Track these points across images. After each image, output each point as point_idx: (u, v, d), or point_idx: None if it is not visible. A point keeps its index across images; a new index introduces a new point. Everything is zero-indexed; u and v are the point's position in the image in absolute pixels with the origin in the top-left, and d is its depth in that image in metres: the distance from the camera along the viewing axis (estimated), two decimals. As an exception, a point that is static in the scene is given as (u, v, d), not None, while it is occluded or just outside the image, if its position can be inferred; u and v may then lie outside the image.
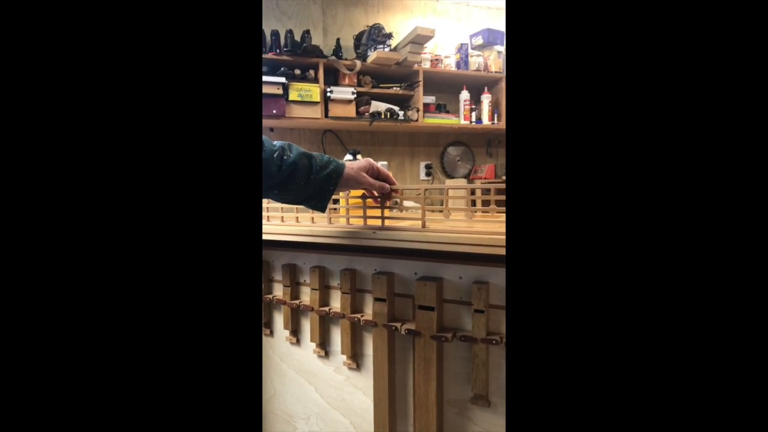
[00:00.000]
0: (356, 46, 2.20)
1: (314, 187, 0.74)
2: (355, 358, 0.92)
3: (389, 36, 2.16)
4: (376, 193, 0.82)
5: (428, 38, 2.08)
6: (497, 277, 0.75)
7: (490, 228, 0.76)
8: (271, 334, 1.08)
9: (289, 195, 0.74)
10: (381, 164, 1.50)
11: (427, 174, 2.58)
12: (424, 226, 0.76)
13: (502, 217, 0.73)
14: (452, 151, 2.66)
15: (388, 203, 0.83)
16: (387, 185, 0.80)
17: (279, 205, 0.97)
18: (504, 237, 0.66)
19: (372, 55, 2.07)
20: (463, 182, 2.60)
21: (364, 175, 0.77)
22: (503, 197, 0.72)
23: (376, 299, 0.84)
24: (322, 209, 0.77)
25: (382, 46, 2.11)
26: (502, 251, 0.66)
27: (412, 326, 0.80)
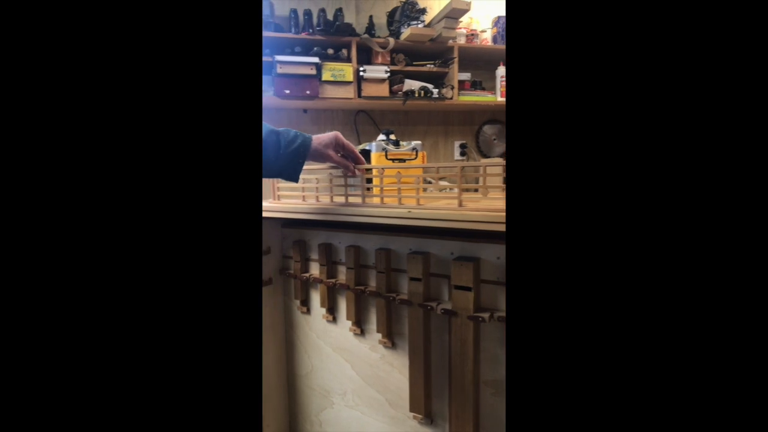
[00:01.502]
0: (389, 23, 2.15)
1: (284, 162, 0.79)
2: (391, 337, 0.92)
3: (423, 11, 2.10)
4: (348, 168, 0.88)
5: (464, 12, 2.01)
6: (537, 257, 0.72)
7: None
8: (308, 311, 1.10)
9: (264, 171, 0.78)
10: (415, 143, 1.47)
11: (462, 153, 2.53)
12: (460, 204, 0.74)
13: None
14: (488, 129, 2.58)
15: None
16: (350, 164, 0.87)
17: (314, 185, 0.97)
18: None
19: (405, 32, 2.02)
20: (500, 161, 2.53)
21: (331, 152, 0.84)
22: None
23: (412, 279, 0.84)
24: (295, 180, 0.82)
25: (415, 22, 2.05)
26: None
27: (448, 306, 0.79)
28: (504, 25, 2.33)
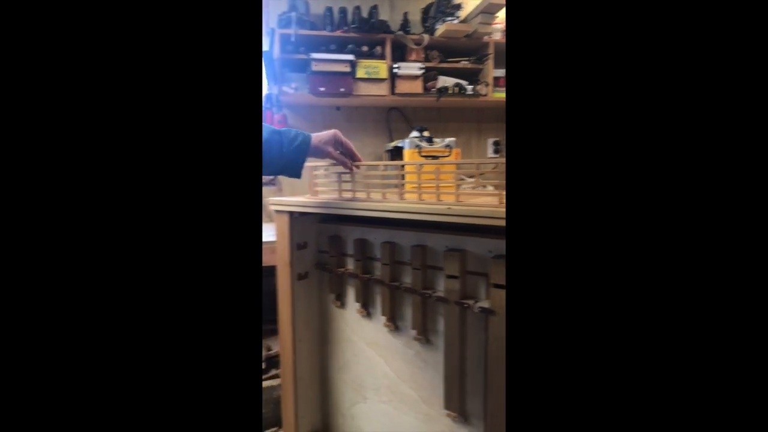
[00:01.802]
0: (424, 20, 2.14)
1: (287, 159, 0.86)
2: (426, 334, 0.92)
3: (458, 7, 2.07)
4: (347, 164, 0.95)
5: (500, 7, 1.97)
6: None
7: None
8: (343, 306, 1.12)
9: (267, 168, 0.85)
10: (449, 140, 1.46)
11: (495, 151, 2.49)
12: (501, 202, 0.73)
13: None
14: (522, 127, 2.54)
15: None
16: (347, 161, 0.94)
17: (351, 180, 0.98)
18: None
19: (440, 28, 2.01)
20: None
21: (330, 149, 0.91)
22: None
23: (448, 276, 0.84)
24: (298, 176, 0.90)
25: (450, 18, 2.04)
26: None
27: (485, 304, 0.79)
28: (541, 20, 2.27)
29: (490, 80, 2.10)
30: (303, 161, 0.88)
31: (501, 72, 2.23)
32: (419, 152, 1.59)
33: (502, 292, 0.76)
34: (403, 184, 0.90)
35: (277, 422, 1.48)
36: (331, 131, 0.92)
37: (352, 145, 0.95)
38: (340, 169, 0.98)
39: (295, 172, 0.88)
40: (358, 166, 0.95)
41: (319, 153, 0.90)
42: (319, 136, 0.90)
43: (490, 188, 0.91)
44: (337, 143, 0.92)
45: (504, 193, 0.74)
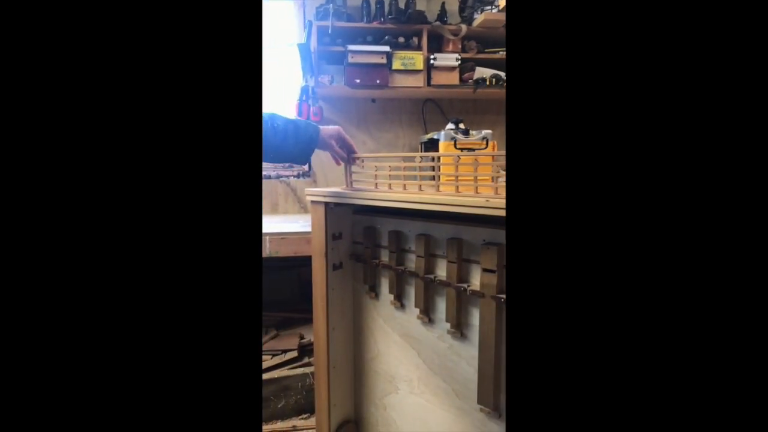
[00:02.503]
0: (461, 10, 2.10)
1: (300, 148, 0.93)
2: (460, 327, 0.91)
3: (497, -5, 2.02)
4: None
5: (541, -6, 1.91)
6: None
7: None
8: (377, 297, 1.12)
9: (282, 156, 0.92)
10: (485, 132, 1.43)
11: (533, 144, 2.43)
12: (541, 195, 0.71)
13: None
14: (562, 119, 2.46)
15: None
16: (344, 155, 1.02)
17: (386, 172, 0.98)
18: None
19: (478, 18, 1.96)
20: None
21: (333, 142, 0.98)
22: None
23: (485, 270, 0.82)
24: (304, 164, 1.02)
25: (489, 7, 1.99)
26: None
27: (523, 299, 0.77)
28: (585, 7, 2.18)
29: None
30: (312, 151, 0.95)
31: (541, 62, 2.16)
32: (455, 144, 1.57)
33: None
34: (438, 176, 0.89)
35: (310, 409, 1.51)
36: (336, 127, 1.00)
37: (353, 142, 1.03)
38: (377, 160, 0.98)
39: (304, 160, 0.96)
40: (358, 158, 1.04)
41: (324, 146, 0.97)
42: (326, 130, 0.97)
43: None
44: (339, 139, 1.00)
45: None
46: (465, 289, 0.87)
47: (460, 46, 2.02)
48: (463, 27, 1.98)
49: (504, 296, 0.79)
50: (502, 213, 0.72)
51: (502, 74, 2.04)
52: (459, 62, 1.97)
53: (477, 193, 0.81)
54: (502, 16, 1.95)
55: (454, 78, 1.99)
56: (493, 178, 0.80)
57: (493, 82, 2.02)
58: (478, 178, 0.82)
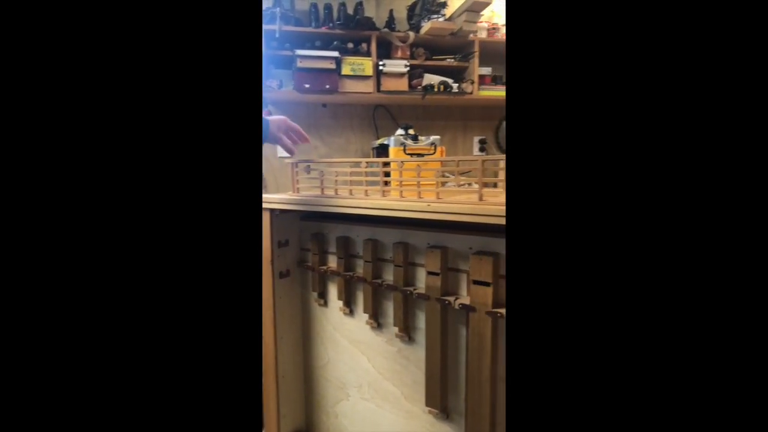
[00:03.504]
0: (409, 17, 2.14)
1: None
2: (408, 331, 0.92)
3: (443, 5, 2.07)
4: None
5: (485, 5, 1.98)
6: (558, 253, 0.71)
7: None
8: (325, 304, 1.11)
9: None
10: (434, 138, 1.46)
11: (481, 149, 2.50)
12: (481, 199, 0.74)
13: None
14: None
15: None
16: (294, 148, 0.96)
17: (333, 178, 0.98)
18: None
19: (426, 26, 2.01)
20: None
21: (281, 134, 0.93)
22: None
23: (429, 273, 0.84)
24: None
25: (436, 15, 2.03)
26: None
27: (466, 301, 0.79)
28: (526, 19, 2.29)
29: (476, 78, 2.11)
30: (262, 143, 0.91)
31: (486, 70, 2.23)
32: (404, 150, 1.59)
33: (483, 289, 0.76)
34: (385, 182, 0.90)
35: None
36: (282, 117, 0.94)
37: (299, 127, 0.97)
38: (323, 165, 0.98)
39: None
40: (306, 139, 0.99)
41: (273, 139, 0.93)
42: (273, 121, 0.91)
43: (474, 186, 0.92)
44: (287, 128, 0.95)
45: (483, 191, 0.74)
46: (411, 293, 0.87)
47: (408, 53, 2.05)
48: (411, 34, 2.02)
49: (448, 298, 0.81)
50: (444, 216, 0.73)
51: (450, 81, 2.09)
52: (408, 69, 2.00)
53: (420, 197, 0.82)
54: (449, 25, 2.00)
55: (403, 84, 2.02)
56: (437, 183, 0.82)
57: (441, 89, 2.07)
58: (422, 183, 0.83)
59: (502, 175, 0.74)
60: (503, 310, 0.74)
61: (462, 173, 0.85)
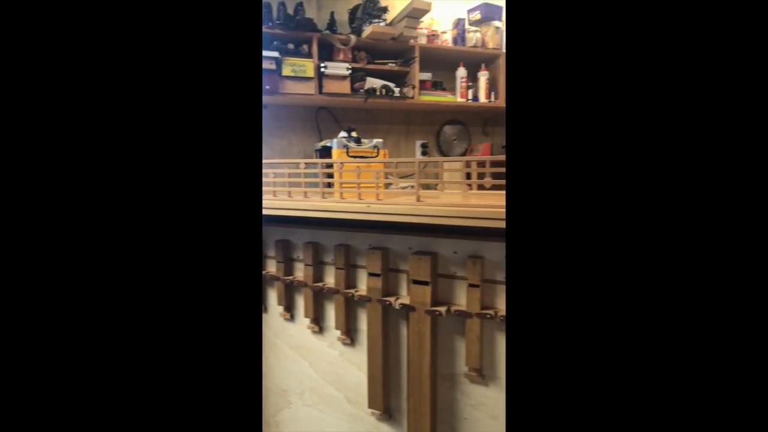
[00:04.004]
0: (351, 20, 2.14)
1: None
2: (349, 334, 0.91)
3: (384, 10, 2.10)
4: None
5: (425, 12, 2.03)
6: (492, 251, 0.74)
7: (485, 201, 0.75)
8: (265, 310, 1.08)
9: None
10: (376, 141, 1.46)
11: (423, 153, 2.55)
12: (418, 200, 0.75)
13: (499, 191, 0.72)
14: (448, 129, 2.62)
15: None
16: None
17: (272, 179, 0.95)
18: (499, 210, 0.65)
19: (367, 30, 2.02)
20: (458, 158, 2.57)
21: None
22: (501, 170, 0.71)
23: (371, 274, 0.84)
24: None
25: (377, 20, 2.05)
26: (497, 224, 0.65)
27: (406, 301, 0.80)
28: (463, 28, 2.37)
29: (417, 83, 2.15)
30: None
31: (427, 75, 2.29)
32: (347, 152, 1.58)
33: (422, 288, 0.77)
34: (326, 183, 0.89)
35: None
36: None
37: None
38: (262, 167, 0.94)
39: None
40: None
41: None
42: None
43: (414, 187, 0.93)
44: None
45: (420, 191, 0.75)
46: (353, 295, 0.87)
47: (350, 56, 2.05)
48: (353, 37, 2.02)
49: (389, 299, 0.81)
50: (384, 217, 0.74)
51: (392, 85, 2.12)
52: (350, 71, 2.00)
53: (360, 199, 0.82)
54: (390, 30, 2.03)
55: (345, 87, 2.01)
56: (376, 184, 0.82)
57: (383, 93, 2.09)
58: (362, 185, 0.83)
59: (447, 177, 0.75)
60: (442, 309, 0.76)
61: (404, 176, 0.86)
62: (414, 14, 2.00)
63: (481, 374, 0.77)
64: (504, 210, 0.65)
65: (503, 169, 0.69)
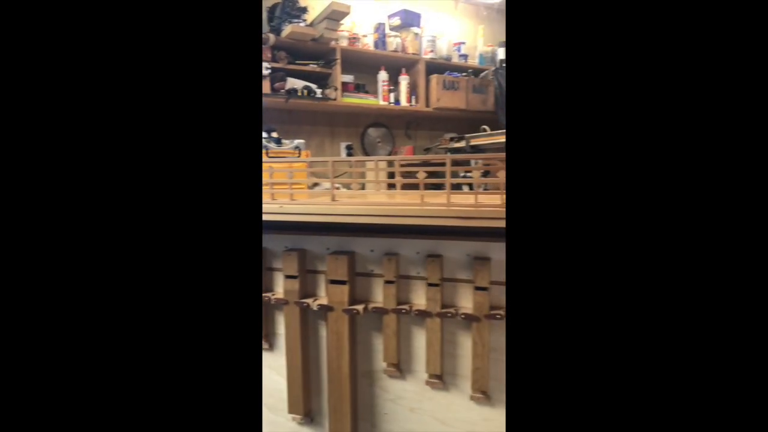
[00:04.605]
0: (270, 19, 2.09)
1: None
2: (268, 338, 0.89)
3: (304, 10, 2.08)
4: None
5: (344, 14, 2.04)
6: (407, 248, 0.76)
7: (404, 200, 0.77)
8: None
9: None
10: (298, 142, 1.44)
11: (348, 155, 2.56)
12: (333, 199, 0.75)
13: (419, 190, 0.74)
14: (372, 132, 2.66)
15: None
16: None
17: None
18: (413, 208, 0.68)
19: (286, 29, 1.98)
20: (373, 158, 2.61)
21: None
22: (414, 169, 0.73)
23: (287, 276, 0.82)
24: None
25: (296, 20, 2.03)
26: (413, 221, 0.67)
27: (324, 301, 0.79)
28: (384, 32, 2.42)
29: (339, 85, 2.16)
30: None
31: (349, 78, 2.30)
32: (267, 153, 1.54)
33: (339, 288, 0.77)
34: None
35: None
36: None
37: None
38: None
39: None
40: None
41: None
42: None
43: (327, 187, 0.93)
44: None
45: (335, 191, 0.76)
46: (270, 299, 0.85)
47: (270, 55, 2.00)
48: (272, 36, 1.98)
49: (307, 301, 0.81)
50: (297, 218, 0.73)
51: (314, 86, 2.10)
52: (269, 71, 1.96)
53: (273, 199, 0.80)
54: (310, 30, 2.01)
55: (265, 87, 1.96)
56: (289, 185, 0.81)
57: (305, 94, 2.07)
58: (274, 185, 0.81)
59: (371, 176, 0.76)
60: (360, 307, 0.76)
61: (321, 176, 0.85)
62: (333, 16, 2.00)
63: (399, 368, 0.78)
64: (418, 207, 0.68)
65: (416, 169, 0.71)
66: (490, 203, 0.68)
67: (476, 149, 2.23)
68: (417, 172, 0.70)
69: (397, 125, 2.76)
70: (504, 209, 0.62)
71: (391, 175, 0.75)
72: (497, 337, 0.72)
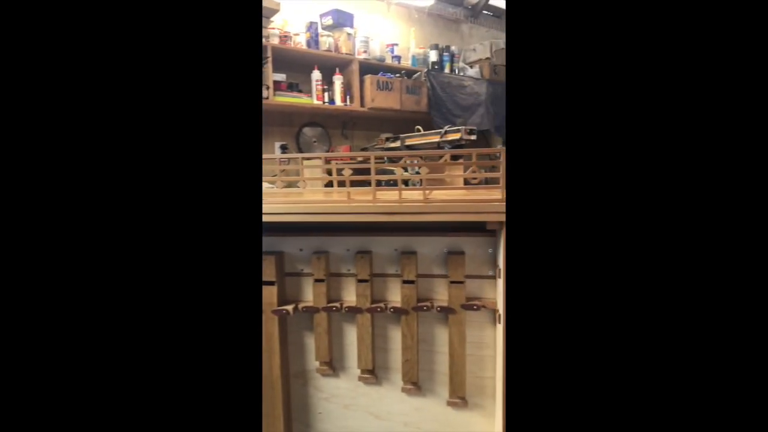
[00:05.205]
0: (195, 14, 2.00)
1: None
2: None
3: (232, 6, 2.01)
4: None
5: (274, 12, 2.00)
6: (336, 246, 0.76)
7: (338, 198, 0.77)
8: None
9: None
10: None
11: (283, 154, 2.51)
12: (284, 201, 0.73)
13: (353, 189, 0.74)
14: (308, 131, 2.62)
15: None
16: None
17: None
18: (340, 205, 0.68)
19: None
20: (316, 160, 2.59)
21: None
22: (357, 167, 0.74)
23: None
24: None
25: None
26: (341, 218, 0.67)
27: (252, 303, 0.77)
28: (317, 31, 2.40)
29: (271, 83, 2.11)
30: None
31: (281, 76, 2.25)
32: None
33: (268, 288, 0.76)
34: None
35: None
36: None
37: None
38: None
39: None
40: None
41: None
42: None
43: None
44: None
45: (267, 190, 0.74)
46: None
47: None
48: (197, 32, 1.89)
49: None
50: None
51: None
52: (195, 68, 1.87)
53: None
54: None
55: (190, 84, 1.87)
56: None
57: (235, 92, 2.00)
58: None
59: (308, 173, 0.75)
60: (289, 307, 0.75)
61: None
62: (264, 13, 1.95)
63: (332, 366, 0.79)
64: (345, 204, 0.68)
65: (346, 167, 0.72)
66: (413, 198, 0.70)
67: (411, 149, 2.28)
68: (346, 170, 0.70)
69: (332, 125, 2.75)
70: (425, 204, 0.65)
71: (329, 173, 0.75)
72: (426, 328, 0.75)
